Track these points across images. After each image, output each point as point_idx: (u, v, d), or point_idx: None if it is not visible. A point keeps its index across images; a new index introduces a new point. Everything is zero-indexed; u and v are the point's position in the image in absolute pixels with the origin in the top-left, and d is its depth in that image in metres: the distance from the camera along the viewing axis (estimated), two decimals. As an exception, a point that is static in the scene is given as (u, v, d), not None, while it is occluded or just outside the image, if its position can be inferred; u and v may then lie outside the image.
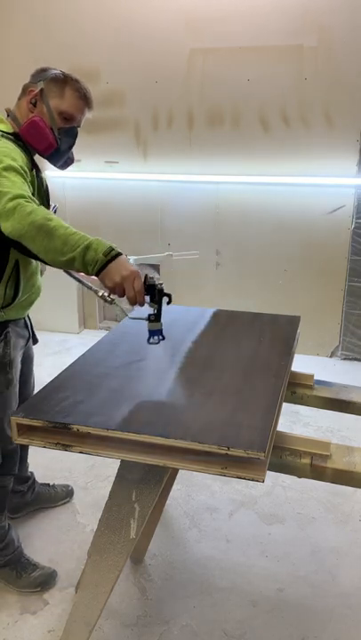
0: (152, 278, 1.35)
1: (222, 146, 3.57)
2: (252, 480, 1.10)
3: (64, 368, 1.51)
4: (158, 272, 3.61)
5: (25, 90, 1.59)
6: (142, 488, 1.28)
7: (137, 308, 1.36)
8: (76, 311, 4.15)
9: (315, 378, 1.83)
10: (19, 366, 1.72)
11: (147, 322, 1.42)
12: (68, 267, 1.30)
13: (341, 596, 1.81)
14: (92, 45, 3.63)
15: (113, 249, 1.28)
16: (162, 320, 1.42)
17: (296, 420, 2.88)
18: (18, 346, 1.70)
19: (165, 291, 1.38)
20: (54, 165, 1.67)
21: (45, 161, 1.65)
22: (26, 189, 1.35)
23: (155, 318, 1.41)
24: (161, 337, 1.44)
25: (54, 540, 2.03)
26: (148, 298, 1.35)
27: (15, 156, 1.43)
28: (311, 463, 1.31)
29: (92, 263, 1.27)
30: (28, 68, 1.65)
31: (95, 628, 1.47)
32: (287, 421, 2.84)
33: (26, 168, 1.45)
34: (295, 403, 1.82)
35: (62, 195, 3.88)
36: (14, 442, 1.25)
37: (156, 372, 1.52)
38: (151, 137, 3.71)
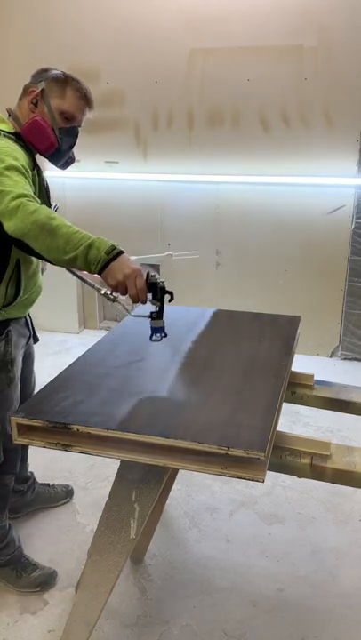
0: (154, 276, 1.36)
1: (222, 146, 3.58)
2: (252, 480, 1.11)
3: (64, 368, 1.51)
4: (158, 272, 3.60)
5: (26, 90, 1.60)
6: (142, 488, 1.28)
7: (139, 305, 1.37)
8: (76, 311, 4.15)
9: (315, 378, 1.83)
10: (20, 365, 1.73)
11: (149, 319, 1.43)
12: (70, 265, 1.31)
13: (341, 595, 1.81)
14: (92, 45, 3.63)
15: (115, 247, 1.29)
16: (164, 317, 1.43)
17: (296, 420, 2.88)
18: (19, 344, 1.70)
19: (167, 289, 1.39)
20: (55, 165, 1.68)
21: (45, 161, 1.66)
22: (28, 189, 1.36)
23: (157, 316, 1.42)
24: (163, 334, 1.45)
25: (54, 540, 2.03)
26: (150, 295, 1.37)
27: (17, 155, 1.44)
28: (311, 463, 1.31)
29: (95, 262, 1.28)
30: (28, 68, 1.66)
31: (95, 628, 1.47)
32: (287, 421, 2.84)
33: (27, 167, 1.46)
34: (295, 403, 1.82)
35: (62, 195, 3.88)
36: (14, 442, 1.25)
37: (156, 372, 1.52)
38: (151, 137, 3.71)
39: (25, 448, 2.02)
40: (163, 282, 1.37)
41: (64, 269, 1.45)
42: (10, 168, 1.36)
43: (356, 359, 3.74)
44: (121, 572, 1.36)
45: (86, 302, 4.21)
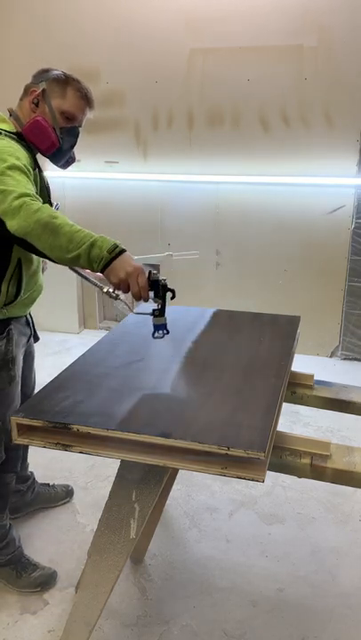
0: (156, 274, 1.37)
1: (222, 146, 3.57)
2: (252, 480, 1.11)
3: (64, 368, 1.51)
4: (158, 272, 3.61)
5: (27, 90, 1.61)
6: (142, 488, 1.28)
7: (141, 303, 1.38)
8: (76, 311, 4.15)
9: (315, 378, 1.83)
10: (21, 363, 1.74)
11: (151, 317, 1.44)
12: (73, 264, 1.33)
13: (341, 595, 1.81)
14: (92, 45, 3.63)
15: (117, 246, 1.30)
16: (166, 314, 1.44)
17: (296, 420, 2.88)
18: (20, 343, 1.71)
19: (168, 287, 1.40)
20: (56, 165, 1.69)
21: (46, 160, 1.66)
22: (30, 188, 1.37)
23: (159, 313, 1.43)
24: (165, 331, 1.46)
25: (54, 540, 2.03)
26: (152, 293, 1.38)
27: (19, 154, 1.45)
28: (311, 463, 1.31)
29: (97, 260, 1.28)
30: (29, 68, 1.67)
31: (95, 628, 1.47)
32: (287, 421, 2.84)
33: (29, 167, 1.47)
34: (295, 403, 1.82)
35: (62, 195, 3.88)
36: (14, 442, 1.25)
37: (156, 372, 1.52)
38: (151, 137, 3.71)
39: (25, 448, 2.02)
40: (165, 279, 1.39)
41: (65, 269, 1.45)
42: (12, 167, 1.37)
43: (356, 359, 3.74)
44: (121, 572, 1.36)
45: (86, 302, 4.21)
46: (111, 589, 1.36)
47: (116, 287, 1.34)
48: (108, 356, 1.61)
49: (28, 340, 1.81)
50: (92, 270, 1.32)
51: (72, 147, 1.66)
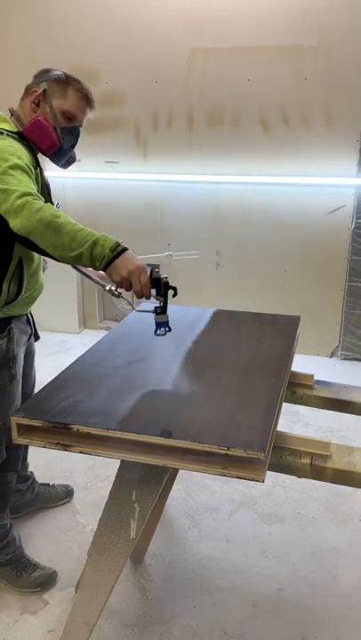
0: (158, 272, 1.38)
1: (222, 146, 3.57)
2: (252, 480, 1.11)
3: (64, 368, 1.51)
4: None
5: (28, 90, 1.62)
6: (142, 488, 1.28)
7: (143, 300, 1.39)
8: (76, 311, 4.15)
9: (315, 378, 1.83)
10: (22, 362, 1.74)
11: (153, 314, 1.45)
12: (76, 262, 1.34)
13: (341, 595, 1.81)
14: (92, 45, 3.63)
15: (119, 244, 1.31)
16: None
17: (296, 420, 2.88)
18: (21, 342, 1.72)
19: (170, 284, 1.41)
20: (57, 164, 1.70)
21: (46, 160, 1.67)
22: (32, 187, 1.38)
23: (161, 311, 1.44)
24: (168, 328, 1.47)
25: (54, 540, 2.03)
26: (154, 291, 1.39)
27: (21, 154, 1.46)
28: (311, 463, 1.31)
29: (100, 258, 1.29)
30: (29, 69, 1.67)
31: (95, 628, 1.47)
32: (287, 421, 2.84)
33: (31, 166, 1.48)
34: (295, 403, 1.82)
35: (62, 195, 3.88)
36: (14, 442, 1.25)
37: (156, 372, 1.52)
38: (151, 137, 3.71)
39: (25, 447, 2.02)
40: (166, 277, 1.40)
41: (64, 268, 1.46)
42: (14, 167, 1.38)
43: (356, 359, 3.74)
44: (121, 572, 1.36)
45: (86, 302, 4.21)
46: (111, 589, 1.36)
47: (119, 285, 1.35)
48: (108, 356, 1.61)
49: (29, 339, 1.82)
50: (95, 268, 1.33)
51: (73, 146, 1.67)
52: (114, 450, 1.20)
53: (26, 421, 1.23)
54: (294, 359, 1.79)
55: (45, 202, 1.35)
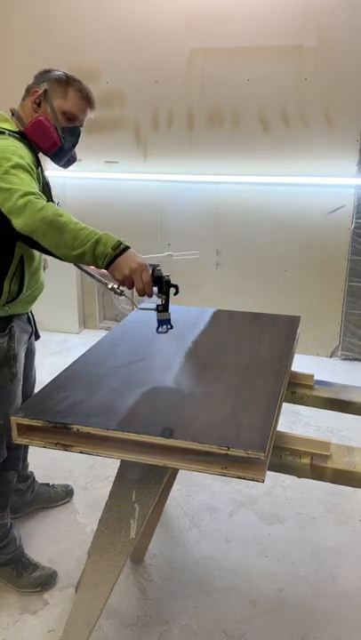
0: (159, 270, 1.39)
1: (222, 146, 3.57)
2: (252, 480, 1.11)
3: (64, 368, 1.51)
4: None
5: (29, 90, 1.63)
6: (142, 488, 1.28)
7: (145, 298, 1.40)
8: (76, 311, 4.15)
9: (315, 378, 1.83)
10: (22, 361, 1.75)
11: (155, 312, 1.46)
12: (78, 261, 1.34)
13: (341, 595, 1.81)
14: (92, 45, 3.63)
15: (121, 243, 1.32)
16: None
17: (296, 420, 2.88)
18: (22, 340, 1.72)
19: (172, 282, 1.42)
20: (57, 164, 1.71)
21: (46, 160, 1.67)
22: (34, 186, 1.39)
23: (163, 308, 1.46)
24: (169, 326, 1.48)
25: (54, 540, 2.03)
26: (155, 289, 1.40)
27: (22, 153, 1.46)
28: (311, 463, 1.31)
29: (102, 257, 1.30)
30: (29, 69, 1.68)
31: (95, 628, 1.47)
32: (287, 421, 2.84)
33: (32, 165, 1.49)
34: (295, 403, 1.82)
35: (62, 195, 3.87)
36: (14, 442, 1.25)
37: (156, 372, 1.52)
38: (151, 137, 3.71)
39: (25, 447, 2.02)
40: (168, 276, 1.41)
41: (64, 268, 1.46)
42: (16, 166, 1.39)
43: (356, 359, 3.74)
44: (121, 572, 1.36)
45: (86, 302, 4.21)
46: (111, 589, 1.36)
47: (121, 283, 1.36)
48: (108, 356, 1.61)
49: (30, 338, 1.82)
50: (97, 267, 1.34)
51: (73, 146, 1.68)
52: (114, 450, 1.20)
53: (26, 421, 1.23)
54: (294, 359, 1.79)
55: (47, 201, 1.36)
